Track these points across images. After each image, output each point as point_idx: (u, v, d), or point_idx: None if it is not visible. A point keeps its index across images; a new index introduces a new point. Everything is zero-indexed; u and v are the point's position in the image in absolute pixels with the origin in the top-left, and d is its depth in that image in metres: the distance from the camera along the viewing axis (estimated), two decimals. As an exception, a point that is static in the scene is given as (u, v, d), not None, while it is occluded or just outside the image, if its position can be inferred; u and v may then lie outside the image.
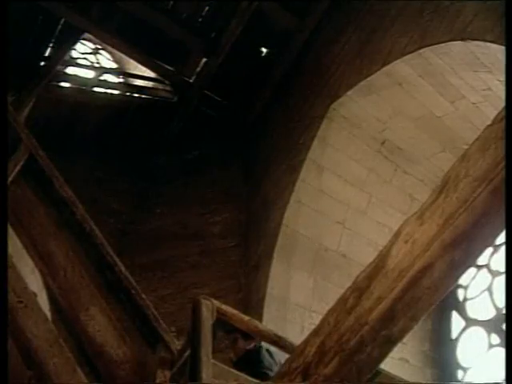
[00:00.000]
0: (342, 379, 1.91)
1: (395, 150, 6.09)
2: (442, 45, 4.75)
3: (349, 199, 6.03)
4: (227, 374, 2.60)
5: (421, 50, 4.96)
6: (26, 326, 2.80)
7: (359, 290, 1.94)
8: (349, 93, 5.73)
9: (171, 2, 6.93)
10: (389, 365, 2.28)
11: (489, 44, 4.23)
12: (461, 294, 5.98)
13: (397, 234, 1.93)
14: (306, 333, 2.18)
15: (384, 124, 5.93)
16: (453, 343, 5.93)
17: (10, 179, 3.50)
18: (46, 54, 6.97)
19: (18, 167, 3.58)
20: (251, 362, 3.71)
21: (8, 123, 3.91)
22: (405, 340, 1.93)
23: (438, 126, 5.78)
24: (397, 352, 2.11)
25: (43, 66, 6.83)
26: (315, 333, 2.05)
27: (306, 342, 2.07)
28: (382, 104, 5.76)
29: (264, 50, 7.34)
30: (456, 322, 5.99)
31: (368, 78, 5.51)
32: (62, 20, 6.74)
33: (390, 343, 1.85)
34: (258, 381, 2.77)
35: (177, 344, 3.06)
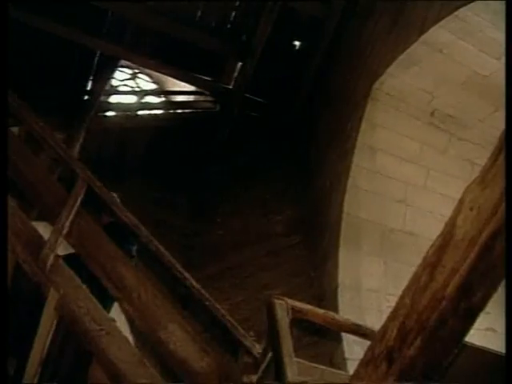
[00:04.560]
0: (428, 358, 1.87)
1: (446, 119, 5.92)
2: (478, 1, 4.58)
3: (406, 176, 5.90)
4: (312, 371, 2.59)
5: (456, 12, 4.79)
6: (110, 351, 2.88)
7: (431, 265, 1.88)
8: (389, 69, 5.61)
9: (198, 14, 6.99)
10: (476, 336, 2.21)
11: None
12: (540, 253, 5.75)
13: (460, 203, 1.87)
14: (385, 317, 2.13)
15: (430, 94, 5.77)
16: (541, 305, 5.70)
17: (72, 214, 3.61)
18: (88, 88, 7.17)
19: (79, 201, 3.69)
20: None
21: (61, 159, 4.05)
22: (487, 309, 1.86)
23: (487, 86, 5.57)
24: (481, 323, 2.04)
25: (87, 99, 7.03)
26: (393, 316, 2.01)
27: (386, 327, 2.03)
28: (424, 74, 5.61)
29: (297, 43, 7.31)
30: (540, 282, 5.75)
31: (406, 51, 5.37)
32: (98, 52, 6.93)
33: (471, 315, 1.79)
34: (343, 372, 2.75)
35: (258, 348, 3.07)
